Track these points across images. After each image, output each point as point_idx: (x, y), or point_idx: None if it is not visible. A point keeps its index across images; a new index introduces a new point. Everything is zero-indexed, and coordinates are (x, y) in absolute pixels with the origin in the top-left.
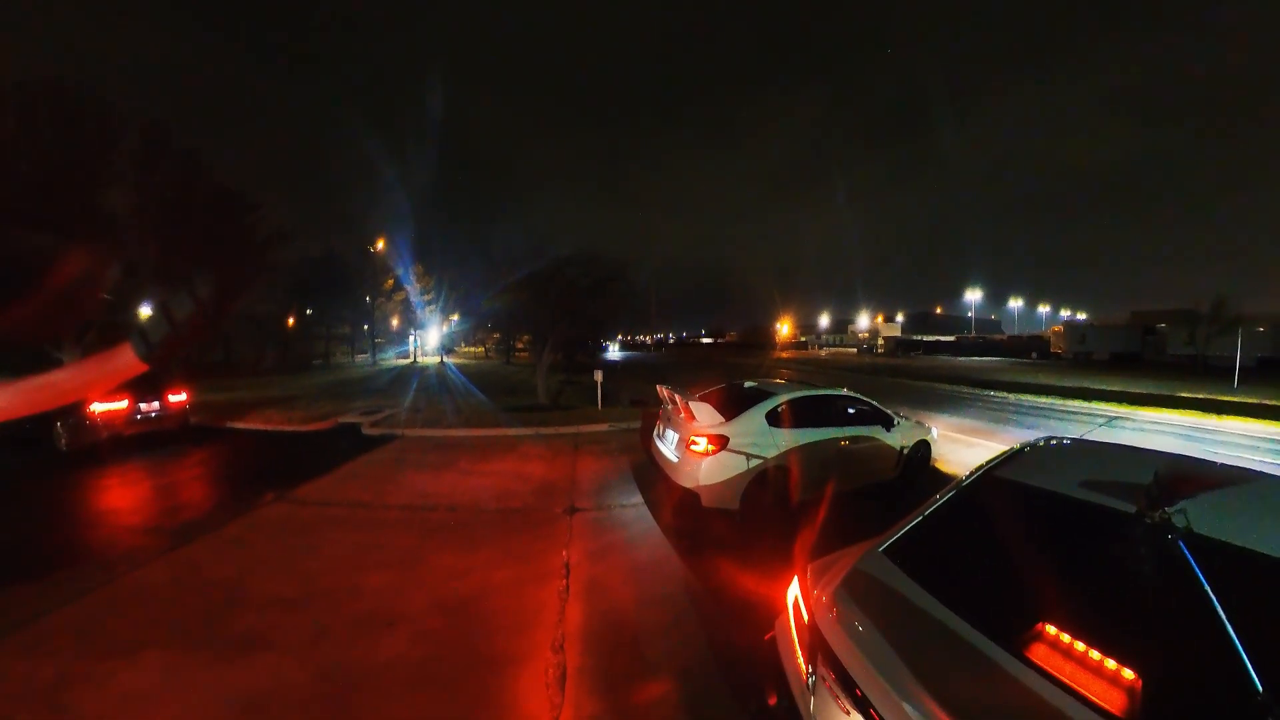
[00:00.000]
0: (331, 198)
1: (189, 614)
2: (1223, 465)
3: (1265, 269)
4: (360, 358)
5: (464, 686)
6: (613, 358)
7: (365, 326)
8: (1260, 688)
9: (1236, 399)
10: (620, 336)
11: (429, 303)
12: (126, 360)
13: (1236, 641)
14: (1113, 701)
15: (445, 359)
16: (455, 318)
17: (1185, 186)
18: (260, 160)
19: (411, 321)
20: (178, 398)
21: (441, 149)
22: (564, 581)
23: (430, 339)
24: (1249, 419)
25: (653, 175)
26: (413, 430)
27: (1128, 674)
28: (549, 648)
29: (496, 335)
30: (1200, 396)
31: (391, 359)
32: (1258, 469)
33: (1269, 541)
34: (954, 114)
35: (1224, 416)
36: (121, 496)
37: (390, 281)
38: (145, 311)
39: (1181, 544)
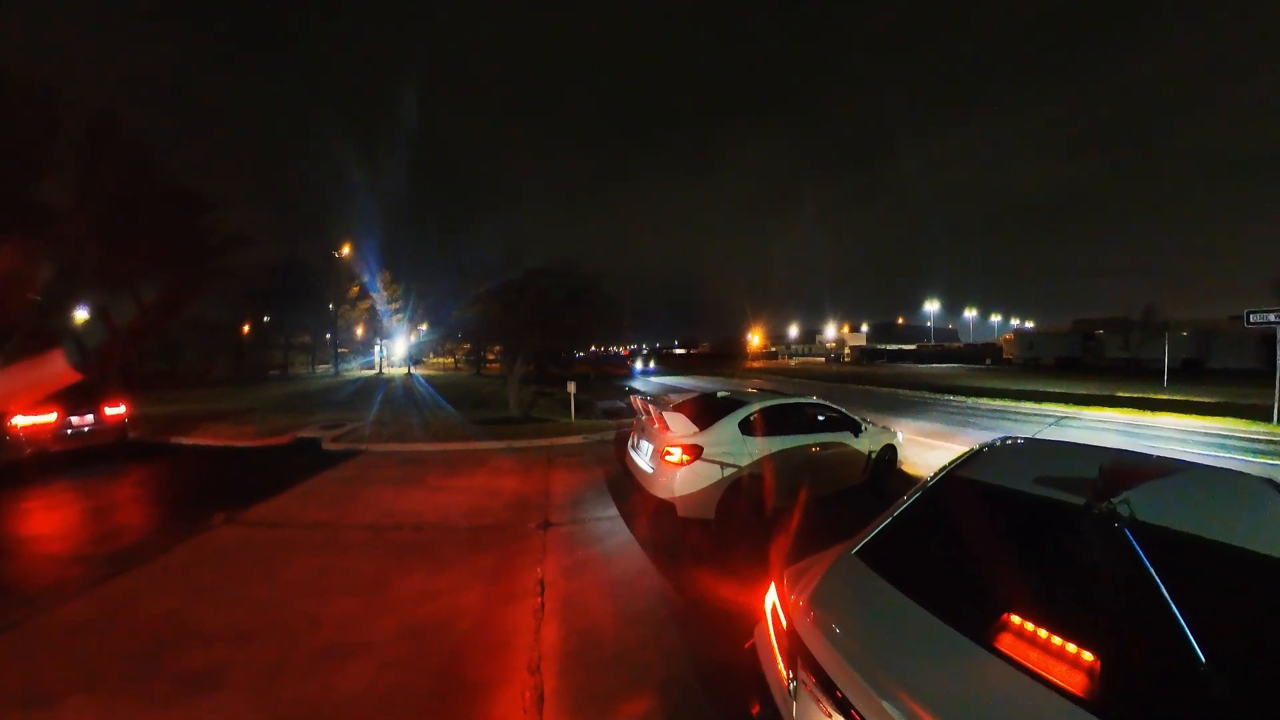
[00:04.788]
0: (296, 201)
1: (124, 653)
2: (1159, 458)
3: (1184, 279)
4: (321, 368)
5: (436, 716)
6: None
7: (328, 335)
8: (1204, 659)
9: (1166, 397)
10: (593, 348)
11: (396, 312)
12: (57, 368)
13: (1180, 618)
14: (1075, 683)
15: (412, 370)
16: (424, 328)
17: (1106, 209)
18: (222, 159)
19: (377, 331)
20: (115, 410)
21: (414, 157)
22: (539, 599)
23: (397, 349)
24: (1179, 415)
25: (627, 192)
26: (377, 445)
27: (1087, 656)
28: (525, 669)
29: (467, 346)
30: (1136, 396)
31: (355, 370)
32: (1189, 460)
33: (1203, 526)
34: (909, 143)
35: (1157, 413)
36: (46, 521)
37: (355, 289)
38: (82, 315)
39: (1127, 531)
